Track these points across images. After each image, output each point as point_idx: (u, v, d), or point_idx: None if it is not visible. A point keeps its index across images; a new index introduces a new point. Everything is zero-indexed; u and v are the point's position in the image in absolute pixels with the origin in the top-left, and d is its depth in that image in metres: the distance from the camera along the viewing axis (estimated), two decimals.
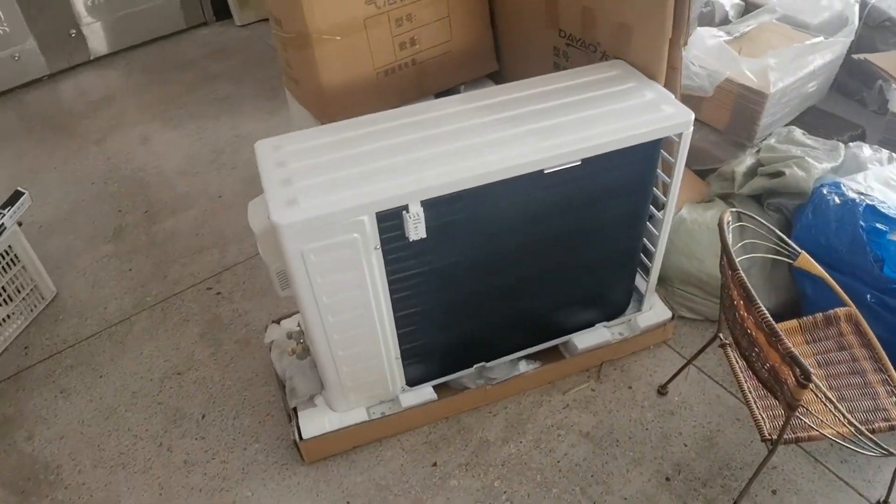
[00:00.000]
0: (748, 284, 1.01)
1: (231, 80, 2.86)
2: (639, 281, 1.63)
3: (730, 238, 1.14)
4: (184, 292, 1.88)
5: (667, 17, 1.32)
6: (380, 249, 1.19)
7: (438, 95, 1.85)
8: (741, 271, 1.03)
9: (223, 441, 1.50)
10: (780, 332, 0.95)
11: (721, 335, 1.38)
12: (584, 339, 1.58)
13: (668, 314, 1.64)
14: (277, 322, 1.65)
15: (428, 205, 1.16)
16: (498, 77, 1.88)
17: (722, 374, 1.61)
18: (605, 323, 1.61)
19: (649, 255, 1.54)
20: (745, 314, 1.07)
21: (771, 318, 0.97)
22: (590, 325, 1.60)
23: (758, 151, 1.79)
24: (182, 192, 2.25)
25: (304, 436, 1.39)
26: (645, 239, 1.52)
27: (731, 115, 1.89)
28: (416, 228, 1.16)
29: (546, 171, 1.22)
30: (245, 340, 1.73)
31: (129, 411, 1.58)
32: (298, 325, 1.49)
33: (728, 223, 1.18)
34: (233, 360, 1.68)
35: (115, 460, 1.48)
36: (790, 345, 0.95)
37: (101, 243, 2.07)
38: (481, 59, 1.85)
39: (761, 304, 0.98)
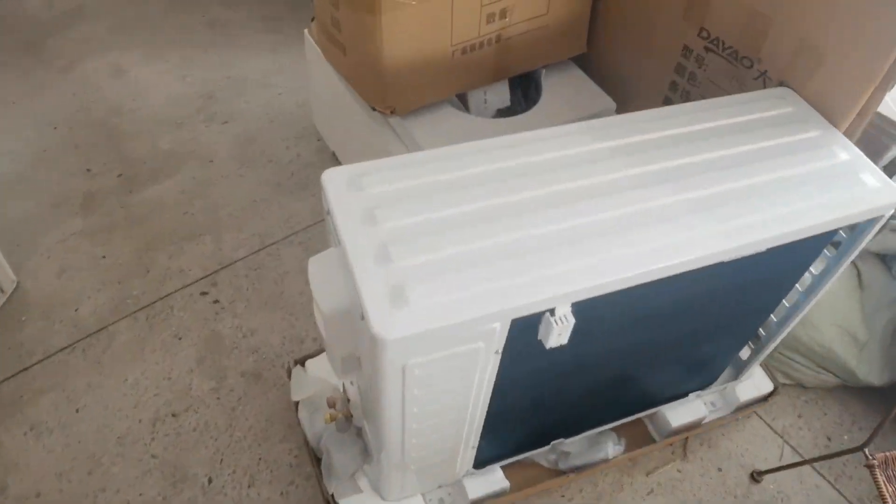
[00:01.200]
0: None
1: (224, 1, 2.34)
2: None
3: None
4: (172, 296, 1.50)
5: (891, 51, 0.99)
6: (500, 353, 0.87)
7: (514, 79, 1.48)
8: None
9: None
10: None
11: (867, 452, 1.15)
12: (677, 415, 1.32)
13: (770, 386, 1.40)
14: (301, 363, 1.32)
15: (576, 305, 0.84)
16: (586, 63, 1.51)
17: (818, 455, 1.40)
18: (697, 392, 1.36)
19: (766, 327, 1.27)
20: None
21: None
22: (681, 395, 1.34)
23: None
24: (165, 149, 1.81)
25: None
26: None
27: None
28: (559, 335, 0.84)
29: (724, 261, 0.91)
30: (254, 373, 1.39)
31: (116, 464, 1.25)
32: (343, 388, 1.17)
33: None
34: (241, 400, 1.35)
35: None
36: None
37: (67, 215, 1.64)
38: (572, 39, 1.47)
39: None
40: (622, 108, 1.45)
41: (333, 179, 0.89)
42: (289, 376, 1.31)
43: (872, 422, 1.46)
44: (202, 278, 1.54)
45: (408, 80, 1.28)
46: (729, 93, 1.25)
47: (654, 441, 1.34)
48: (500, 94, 1.47)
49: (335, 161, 1.79)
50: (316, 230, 1.64)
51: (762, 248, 0.91)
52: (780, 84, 1.15)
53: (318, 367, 1.32)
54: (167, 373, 1.38)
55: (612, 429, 1.31)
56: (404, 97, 1.31)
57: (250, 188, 1.72)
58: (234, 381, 1.37)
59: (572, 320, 0.83)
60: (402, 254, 0.80)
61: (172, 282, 1.52)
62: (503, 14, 1.29)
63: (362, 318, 0.76)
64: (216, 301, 1.50)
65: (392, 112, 1.32)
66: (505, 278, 0.80)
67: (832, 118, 1.08)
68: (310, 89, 1.81)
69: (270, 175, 1.76)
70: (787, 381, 1.49)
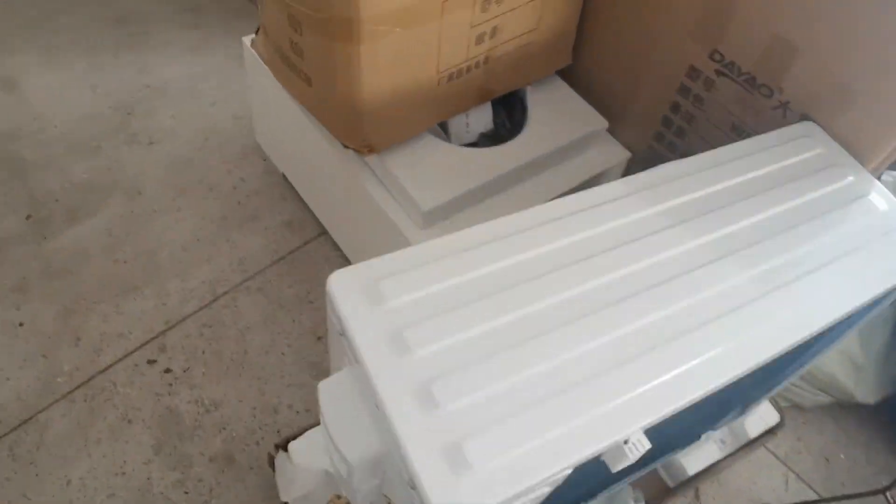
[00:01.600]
0: None
1: None
2: None
3: None
4: (113, 368, 1.28)
5: None
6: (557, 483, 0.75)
7: (497, 98, 1.32)
8: None
9: None
10: None
11: (888, 496, 1.11)
12: (692, 461, 1.26)
13: (776, 417, 1.35)
14: (283, 447, 1.15)
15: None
16: (571, 76, 1.37)
17: (820, 480, 1.38)
18: (707, 433, 1.29)
19: None
20: None
21: None
22: (694, 439, 1.27)
23: None
24: (81, 181, 1.54)
25: None
26: None
27: None
28: (630, 459, 0.73)
29: None
30: (225, 456, 1.21)
31: None
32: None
33: None
34: (213, 491, 1.17)
35: None
36: None
37: None
38: (559, 53, 1.32)
39: None
40: (613, 126, 1.33)
41: (344, 288, 0.72)
42: (270, 465, 1.14)
43: (866, 437, 1.45)
44: (147, 343, 1.32)
45: (387, 115, 1.10)
46: (741, 119, 1.15)
47: (668, 487, 1.28)
48: (483, 117, 1.31)
49: (286, 185, 1.58)
50: (275, 271, 1.44)
51: (832, 325, 0.83)
52: (803, 117, 1.05)
53: (305, 450, 1.16)
54: (119, 467, 1.17)
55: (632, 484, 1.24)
56: (383, 134, 1.13)
57: (191, 224, 1.49)
58: (201, 468, 1.19)
59: (647, 445, 0.72)
60: (449, 394, 0.65)
61: (111, 350, 1.30)
62: (493, 33, 1.13)
63: (412, 486, 0.62)
64: (167, 370, 1.29)
65: (369, 151, 1.14)
66: (574, 415, 0.66)
67: (861, 157, 1.00)
68: (250, 103, 1.58)
69: (213, 206, 1.53)
70: (785, 404, 1.46)
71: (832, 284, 0.83)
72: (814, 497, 1.34)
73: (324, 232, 1.51)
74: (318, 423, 1.18)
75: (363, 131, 1.11)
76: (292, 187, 1.58)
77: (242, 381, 1.29)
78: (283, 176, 1.60)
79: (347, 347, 0.71)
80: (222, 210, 1.53)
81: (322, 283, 1.41)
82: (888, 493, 1.12)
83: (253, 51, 1.37)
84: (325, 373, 1.32)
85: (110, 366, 1.28)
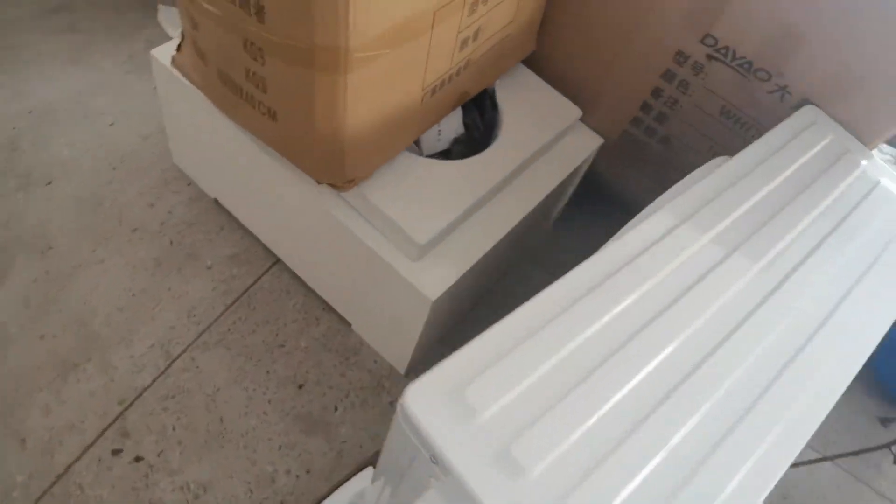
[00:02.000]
0: None
1: None
2: None
3: None
4: (74, 468, 1.09)
5: None
6: None
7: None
8: None
9: None
10: None
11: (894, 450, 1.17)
12: None
13: None
14: None
15: None
16: (534, 63, 1.27)
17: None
18: None
19: None
20: None
21: None
22: None
23: None
24: None
25: None
26: None
27: None
28: None
29: None
30: None
31: None
32: None
33: None
34: None
35: None
36: None
37: None
38: (528, 41, 1.22)
39: None
40: (586, 113, 1.25)
41: (426, 406, 0.60)
42: None
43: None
44: (105, 430, 1.13)
45: (369, 145, 0.96)
46: (732, 103, 1.10)
47: None
48: (454, 123, 1.19)
49: (220, 211, 1.39)
50: (232, 318, 1.27)
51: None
52: (803, 100, 1.02)
53: None
54: None
55: None
56: (364, 164, 0.99)
57: (120, 277, 1.28)
58: None
59: None
60: None
61: (66, 447, 1.10)
62: (476, 35, 1.00)
63: None
64: (138, 458, 1.11)
65: (350, 185, 1.00)
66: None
67: (864, 139, 1.00)
68: (164, 122, 1.35)
69: (141, 251, 1.32)
70: None
71: (885, 295, 0.83)
72: (811, 454, 1.40)
73: (277, 261, 1.35)
74: (329, 492, 1.07)
75: (344, 166, 0.96)
76: (229, 213, 1.39)
77: (227, 454, 1.14)
78: (216, 201, 1.40)
79: (441, 472, 0.60)
80: (154, 253, 1.32)
81: (289, 320, 1.27)
82: (894, 448, 1.17)
83: (170, 67, 1.15)
84: (315, 425, 1.20)
85: (70, 466, 1.08)
